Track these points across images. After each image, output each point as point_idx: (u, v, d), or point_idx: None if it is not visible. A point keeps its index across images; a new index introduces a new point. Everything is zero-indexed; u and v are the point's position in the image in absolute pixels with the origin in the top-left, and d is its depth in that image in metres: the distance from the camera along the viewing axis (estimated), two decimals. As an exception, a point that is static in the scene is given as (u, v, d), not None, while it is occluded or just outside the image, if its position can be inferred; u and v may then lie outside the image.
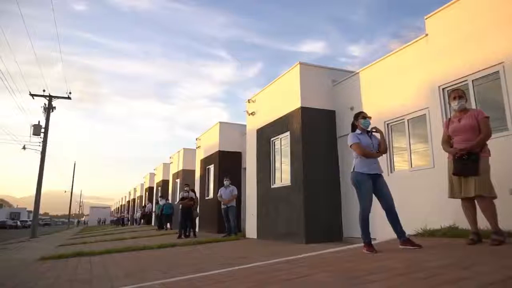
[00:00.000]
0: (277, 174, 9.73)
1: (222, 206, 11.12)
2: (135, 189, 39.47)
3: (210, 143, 15.16)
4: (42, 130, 22.83)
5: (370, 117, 4.67)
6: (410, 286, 2.61)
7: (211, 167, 14.87)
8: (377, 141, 4.61)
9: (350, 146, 4.55)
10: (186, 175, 19.03)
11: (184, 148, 19.94)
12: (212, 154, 14.78)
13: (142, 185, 34.34)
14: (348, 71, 9.24)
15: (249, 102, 11.42)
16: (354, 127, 4.73)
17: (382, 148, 4.57)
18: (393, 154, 7.24)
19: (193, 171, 18.00)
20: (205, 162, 15.53)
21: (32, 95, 23.02)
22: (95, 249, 9.10)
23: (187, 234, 12.05)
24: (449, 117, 4.49)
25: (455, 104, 4.34)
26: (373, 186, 4.42)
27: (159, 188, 25.07)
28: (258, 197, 10.41)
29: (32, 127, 22.95)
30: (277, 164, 9.80)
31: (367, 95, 7.98)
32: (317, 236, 7.93)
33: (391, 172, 7.16)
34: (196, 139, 16.83)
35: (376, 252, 4.15)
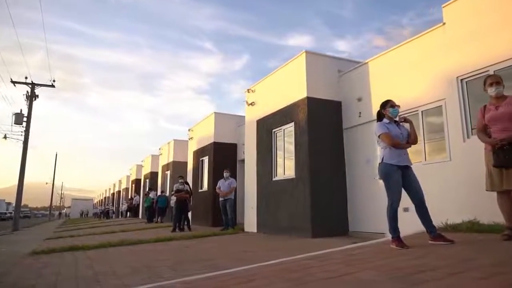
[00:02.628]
0: (279, 167, 9.45)
1: (220, 199, 10.80)
2: (120, 181, 38.64)
3: (204, 134, 14.75)
4: (24, 119, 21.93)
5: (398, 106, 4.42)
6: None
7: (205, 159, 14.49)
8: (406, 131, 4.36)
9: (378, 136, 4.29)
10: (176, 167, 18.59)
11: (174, 140, 19.46)
12: (206, 146, 14.39)
13: (128, 177, 33.58)
14: (355, 61, 9.00)
15: (248, 91, 11.06)
16: (380, 116, 4.47)
17: (413, 138, 4.33)
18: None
19: (185, 163, 17.58)
20: (199, 153, 15.13)
21: (14, 82, 22.06)
22: (88, 243, 8.64)
23: (181, 227, 11.70)
24: (484, 104, 4.24)
25: (492, 91, 4.09)
26: (402, 178, 4.19)
27: (147, 180, 24.51)
28: (258, 190, 10.12)
29: (14, 116, 22.02)
30: (279, 156, 9.52)
31: (376, 86, 7.76)
32: (323, 231, 7.71)
33: (402, 165, 6.98)
34: (189, 130, 16.38)
35: (408, 248, 3.92)
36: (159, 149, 21.67)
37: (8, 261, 6.37)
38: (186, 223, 11.90)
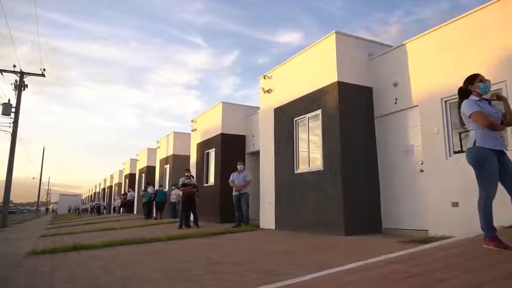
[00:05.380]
0: (302, 158, 8.71)
1: (234, 193, 10.03)
2: (112, 176, 37.46)
3: (210, 126, 13.91)
4: (13, 109, 20.73)
5: (488, 81, 3.72)
6: None
7: (211, 152, 13.66)
8: (499, 111, 3.66)
9: (469, 116, 3.57)
10: (176, 161, 17.73)
11: (174, 132, 18.58)
12: (212, 138, 13.56)
13: (121, 171, 32.44)
14: (385, 45, 8.31)
15: (264, 78, 10.27)
16: (465, 94, 3.75)
17: (509, 119, 3.62)
18: (452, 135, 6.39)
19: (185, 156, 16.74)
20: (203, 146, 14.28)
21: (1, 71, 20.83)
22: (91, 241, 7.77)
23: (188, 224, 10.90)
24: None
25: None
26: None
27: (143, 174, 23.52)
28: (276, 183, 9.36)
29: (1, 106, 20.80)
30: (302, 147, 8.78)
31: (416, 69, 7.07)
32: (356, 228, 7.02)
33: (449, 155, 6.33)
34: (192, 121, 15.51)
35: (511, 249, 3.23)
36: (157, 142, 20.72)
37: (7, 263, 5.49)
38: (194, 219, 11.10)
